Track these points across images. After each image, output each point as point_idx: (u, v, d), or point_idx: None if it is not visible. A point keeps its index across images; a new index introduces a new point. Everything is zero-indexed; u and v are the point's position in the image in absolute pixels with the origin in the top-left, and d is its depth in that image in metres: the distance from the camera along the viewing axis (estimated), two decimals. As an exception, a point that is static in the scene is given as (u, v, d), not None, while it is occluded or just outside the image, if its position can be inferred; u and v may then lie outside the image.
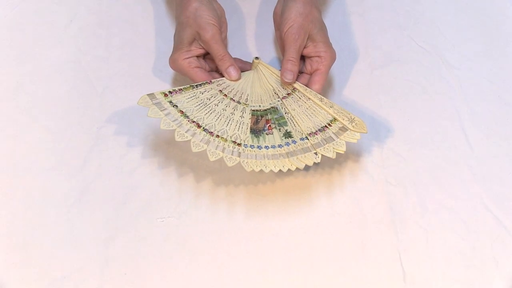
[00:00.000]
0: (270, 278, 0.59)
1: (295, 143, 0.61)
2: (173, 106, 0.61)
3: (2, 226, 0.61)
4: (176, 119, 0.60)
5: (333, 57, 0.65)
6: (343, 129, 0.61)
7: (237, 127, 0.62)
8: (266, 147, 0.61)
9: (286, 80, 0.63)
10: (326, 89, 0.70)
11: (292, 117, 0.63)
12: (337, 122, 0.62)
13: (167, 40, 0.73)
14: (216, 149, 0.59)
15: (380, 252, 0.61)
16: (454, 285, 0.59)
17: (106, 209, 0.62)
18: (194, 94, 0.63)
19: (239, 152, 0.59)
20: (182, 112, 0.61)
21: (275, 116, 0.63)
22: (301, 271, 0.60)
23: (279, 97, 0.64)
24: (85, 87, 0.69)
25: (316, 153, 0.59)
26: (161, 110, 0.60)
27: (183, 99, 0.62)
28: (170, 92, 0.62)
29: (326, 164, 0.65)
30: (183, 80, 0.70)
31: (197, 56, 0.65)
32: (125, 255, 0.60)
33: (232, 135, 0.61)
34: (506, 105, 0.70)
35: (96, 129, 0.66)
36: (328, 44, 0.65)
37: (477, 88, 0.71)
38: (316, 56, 0.64)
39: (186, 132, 0.59)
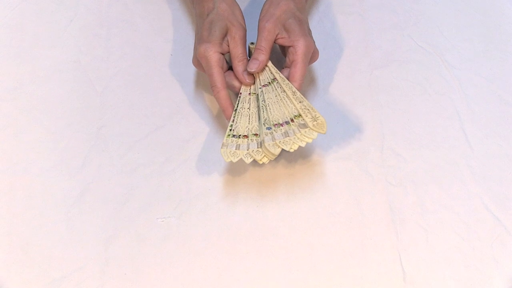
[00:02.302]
0: (270, 278, 0.59)
1: (269, 130, 0.61)
2: (241, 137, 0.61)
3: (2, 226, 0.61)
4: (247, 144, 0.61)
5: (307, 46, 0.62)
6: (303, 126, 0.60)
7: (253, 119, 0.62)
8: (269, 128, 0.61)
9: (250, 70, 0.63)
10: (325, 89, 0.70)
11: (266, 105, 0.62)
12: (300, 118, 0.61)
13: (167, 40, 0.73)
14: (247, 149, 0.60)
15: (380, 252, 0.61)
16: (454, 285, 0.59)
17: (106, 209, 0.62)
18: (241, 113, 0.62)
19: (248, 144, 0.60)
20: (246, 136, 0.61)
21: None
22: (301, 271, 0.60)
23: (260, 85, 0.64)
24: (85, 87, 0.69)
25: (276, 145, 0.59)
26: (241, 150, 0.60)
27: (239, 125, 0.62)
28: (230, 129, 0.61)
29: (326, 164, 0.65)
30: (182, 80, 0.70)
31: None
32: (125, 255, 0.60)
33: (252, 128, 0.62)
34: (506, 105, 0.70)
35: (96, 129, 0.66)
36: (302, 34, 0.63)
37: (477, 88, 0.71)
38: (290, 46, 0.63)
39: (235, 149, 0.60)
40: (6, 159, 0.64)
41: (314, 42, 0.64)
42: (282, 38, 0.63)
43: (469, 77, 0.72)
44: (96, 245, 0.60)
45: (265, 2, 0.65)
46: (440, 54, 0.74)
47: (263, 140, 0.59)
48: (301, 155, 0.66)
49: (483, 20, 0.76)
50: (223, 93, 0.62)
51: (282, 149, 0.59)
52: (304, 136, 0.59)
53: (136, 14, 0.75)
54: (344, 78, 0.71)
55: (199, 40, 0.63)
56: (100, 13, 0.74)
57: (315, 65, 0.71)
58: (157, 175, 0.64)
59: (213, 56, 0.62)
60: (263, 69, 0.64)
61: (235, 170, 0.65)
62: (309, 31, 0.65)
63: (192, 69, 0.70)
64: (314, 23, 0.74)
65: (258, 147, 0.60)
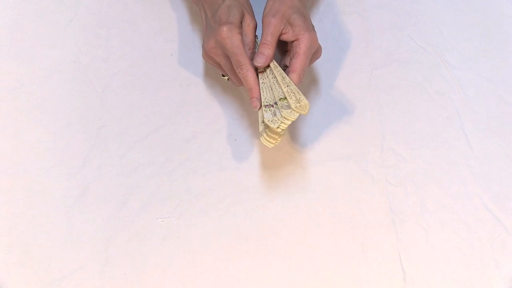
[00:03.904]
0: (270, 278, 0.59)
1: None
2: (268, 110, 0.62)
3: (2, 226, 0.61)
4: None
5: (311, 40, 0.63)
6: (287, 107, 0.60)
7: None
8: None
9: (256, 64, 0.63)
10: (326, 89, 0.70)
11: (260, 89, 0.63)
12: (285, 101, 0.61)
13: (167, 40, 0.73)
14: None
15: (380, 252, 0.61)
16: (454, 285, 0.59)
17: (106, 209, 0.62)
18: (264, 87, 0.63)
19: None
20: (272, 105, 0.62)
21: None
22: (301, 271, 0.60)
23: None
24: (85, 87, 0.69)
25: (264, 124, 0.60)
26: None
27: (264, 93, 0.62)
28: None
29: (326, 164, 0.65)
30: (182, 80, 0.70)
31: None
32: (125, 255, 0.60)
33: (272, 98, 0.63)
34: (506, 105, 0.70)
35: (96, 129, 0.66)
36: (307, 28, 0.63)
37: (477, 88, 0.71)
38: (295, 40, 0.63)
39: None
40: (6, 159, 0.64)
41: (317, 38, 0.64)
42: (286, 33, 0.64)
43: (469, 77, 0.72)
44: (96, 245, 0.60)
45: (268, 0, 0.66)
46: (440, 54, 0.74)
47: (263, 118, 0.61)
48: (301, 155, 0.66)
49: (483, 20, 0.76)
50: (252, 72, 0.62)
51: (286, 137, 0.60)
52: (287, 116, 0.60)
53: (136, 14, 0.75)
54: (344, 78, 0.71)
55: (219, 22, 0.62)
56: (100, 13, 0.74)
57: (315, 64, 0.71)
58: (157, 175, 0.64)
59: (238, 36, 0.61)
60: (269, 63, 0.64)
61: (235, 170, 0.65)
62: (313, 27, 0.65)
63: (192, 69, 0.70)
64: (314, 23, 0.74)
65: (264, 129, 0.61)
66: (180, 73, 0.70)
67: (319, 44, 0.65)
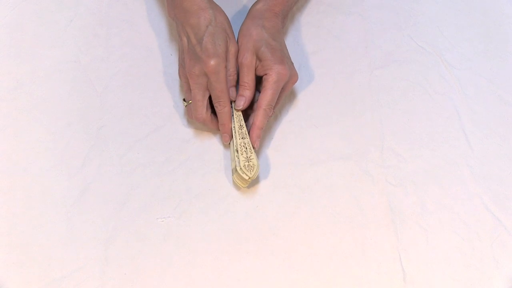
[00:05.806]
0: (270, 278, 0.59)
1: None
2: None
3: (2, 226, 0.61)
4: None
5: (279, 74, 0.61)
6: (234, 171, 0.61)
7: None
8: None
9: (237, 108, 0.63)
10: (325, 89, 0.70)
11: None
12: (237, 154, 0.61)
13: (167, 40, 0.73)
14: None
15: (380, 252, 0.61)
16: (454, 285, 0.59)
17: (106, 209, 0.62)
18: (234, 127, 0.63)
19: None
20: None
21: None
22: (301, 271, 0.60)
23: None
24: (85, 87, 0.69)
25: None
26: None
27: (236, 140, 0.63)
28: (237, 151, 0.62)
29: (326, 164, 0.65)
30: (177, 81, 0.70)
31: None
32: (125, 255, 0.60)
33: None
34: (506, 105, 0.70)
35: (96, 129, 0.66)
36: (274, 61, 0.62)
37: (477, 88, 0.71)
38: (264, 74, 0.63)
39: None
40: (6, 159, 0.64)
41: (289, 67, 0.63)
42: (256, 68, 0.64)
43: (469, 77, 0.72)
44: (96, 245, 0.60)
45: (238, 34, 0.65)
46: (440, 54, 0.74)
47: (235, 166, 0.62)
48: (301, 155, 0.66)
49: (483, 20, 0.76)
50: (228, 108, 0.63)
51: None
52: (237, 179, 0.61)
53: (136, 14, 0.75)
54: (344, 78, 0.71)
55: (206, 53, 0.61)
56: (100, 13, 0.74)
57: (315, 65, 0.71)
58: (157, 175, 0.64)
59: (224, 71, 0.62)
60: (248, 105, 0.64)
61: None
62: (283, 57, 0.63)
63: (192, 69, 0.70)
64: (314, 23, 0.74)
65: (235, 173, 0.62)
66: (180, 73, 0.70)
67: (294, 72, 0.64)
